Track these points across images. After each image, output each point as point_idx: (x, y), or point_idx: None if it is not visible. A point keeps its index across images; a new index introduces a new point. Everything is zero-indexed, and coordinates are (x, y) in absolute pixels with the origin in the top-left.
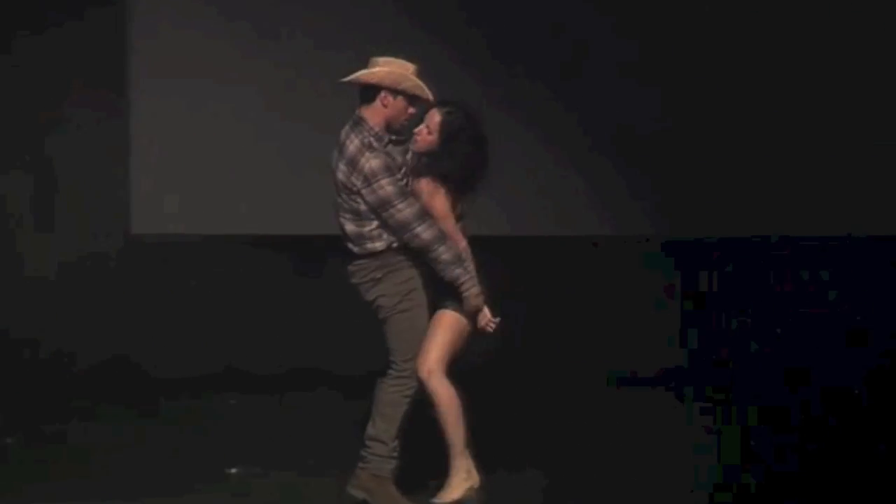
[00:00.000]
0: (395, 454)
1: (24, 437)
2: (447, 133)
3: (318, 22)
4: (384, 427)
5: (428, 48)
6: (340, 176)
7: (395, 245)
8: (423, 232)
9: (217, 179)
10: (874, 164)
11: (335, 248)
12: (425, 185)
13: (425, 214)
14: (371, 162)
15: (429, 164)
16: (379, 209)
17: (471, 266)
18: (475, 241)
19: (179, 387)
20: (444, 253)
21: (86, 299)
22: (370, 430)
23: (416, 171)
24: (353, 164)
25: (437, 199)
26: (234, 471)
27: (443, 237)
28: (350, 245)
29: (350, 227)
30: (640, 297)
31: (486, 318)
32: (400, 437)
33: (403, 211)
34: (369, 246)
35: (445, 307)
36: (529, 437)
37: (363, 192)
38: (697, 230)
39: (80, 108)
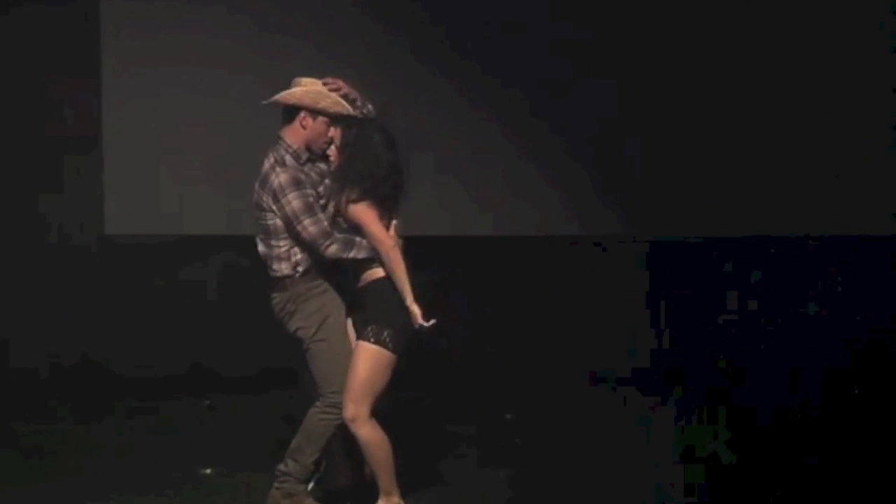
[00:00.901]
0: (311, 475)
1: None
2: (351, 146)
3: (296, 17)
4: (309, 451)
5: (410, 52)
6: (254, 195)
7: (300, 270)
8: (331, 246)
9: (190, 179)
10: (865, 164)
11: None
12: (352, 205)
13: (330, 232)
14: (280, 177)
15: (345, 180)
16: (288, 226)
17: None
18: (450, 242)
19: (152, 387)
20: (357, 254)
21: (59, 300)
22: (293, 451)
23: (336, 192)
24: (264, 181)
25: (367, 214)
26: (208, 471)
27: (349, 246)
28: (267, 270)
29: (261, 248)
30: (623, 297)
31: (417, 320)
32: (323, 457)
33: (308, 228)
34: (276, 267)
35: (366, 338)
36: (514, 436)
37: (274, 208)
38: (680, 230)
39: (53, 105)
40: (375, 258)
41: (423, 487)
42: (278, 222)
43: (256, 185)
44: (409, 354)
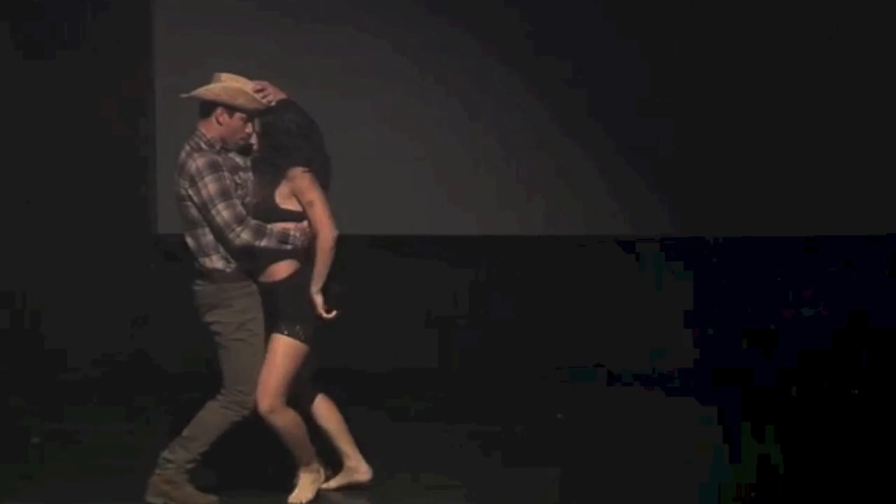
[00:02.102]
0: (194, 465)
1: (48, 436)
2: (269, 130)
3: (344, 17)
4: (200, 443)
5: (446, 46)
6: (174, 186)
7: (232, 266)
8: (243, 232)
9: None
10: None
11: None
12: (300, 178)
13: (244, 217)
14: (197, 161)
15: (275, 162)
16: (203, 211)
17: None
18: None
19: (203, 385)
20: (269, 243)
21: (111, 299)
22: (185, 439)
23: (266, 182)
24: (181, 170)
25: (316, 191)
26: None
27: (260, 234)
28: (193, 263)
29: (189, 241)
30: (647, 296)
31: (318, 310)
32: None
33: (222, 212)
34: (206, 263)
35: (280, 331)
36: (540, 436)
37: (191, 193)
38: (706, 230)
39: (107, 106)
40: (286, 248)
41: (468, 487)
42: (191, 211)
43: (175, 176)
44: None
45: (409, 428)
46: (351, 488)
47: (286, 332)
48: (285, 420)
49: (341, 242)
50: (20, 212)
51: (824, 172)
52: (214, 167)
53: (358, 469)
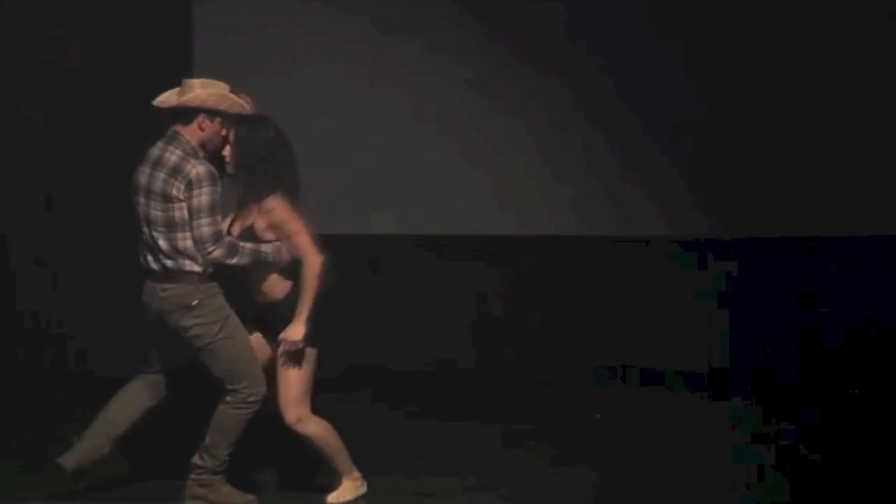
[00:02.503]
0: (226, 465)
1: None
2: (243, 142)
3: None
4: (223, 445)
5: (481, 45)
6: (158, 185)
7: (210, 270)
8: (216, 251)
9: None
10: None
11: (393, 245)
12: (275, 209)
13: (220, 236)
14: (198, 168)
15: (252, 177)
16: (191, 217)
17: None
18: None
19: None
20: (241, 261)
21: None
22: (208, 447)
23: (252, 196)
24: (176, 171)
25: (294, 221)
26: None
27: (233, 252)
28: (160, 265)
29: (163, 243)
30: (687, 297)
31: (295, 338)
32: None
33: (203, 227)
34: (186, 264)
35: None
36: (577, 437)
37: (184, 197)
38: (744, 230)
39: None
40: (268, 264)
41: (505, 487)
42: (178, 214)
43: (161, 174)
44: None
45: (446, 428)
46: None
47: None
48: (315, 428)
49: (386, 242)
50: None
51: (862, 172)
52: (214, 179)
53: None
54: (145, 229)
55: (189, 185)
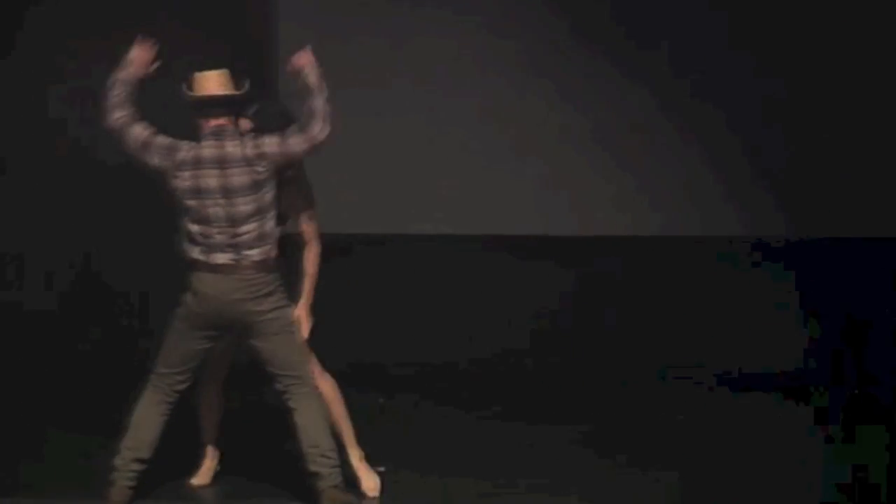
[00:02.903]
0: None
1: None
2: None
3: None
4: (326, 437)
5: (557, 46)
6: (239, 181)
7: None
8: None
9: (353, 177)
10: None
11: (462, 244)
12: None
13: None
14: (253, 142)
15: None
16: (287, 161)
17: None
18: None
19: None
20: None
21: None
22: (323, 445)
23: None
24: (247, 160)
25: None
26: (381, 469)
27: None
28: (238, 255)
29: (249, 234)
30: (761, 298)
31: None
32: None
33: (298, 134)
34: (269, 250)
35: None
36: (658, 437)
37: (268, 172)
38: (819, 230)
39: None
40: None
41: (583, 489)
42: (269, 196)
43: (236, 170)
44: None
45: (522, 428)
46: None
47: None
48: (327, 385)
49: (455, 242)
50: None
51: None
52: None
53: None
54: (219, 227)
55: (262, 156)
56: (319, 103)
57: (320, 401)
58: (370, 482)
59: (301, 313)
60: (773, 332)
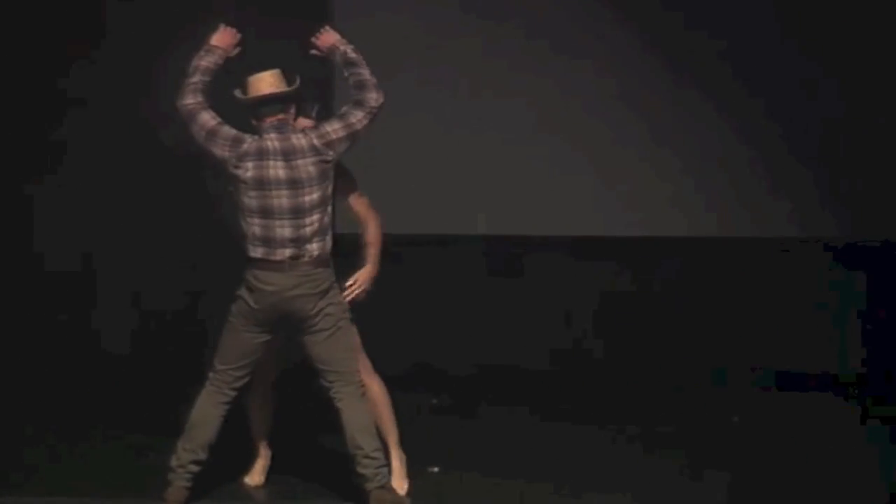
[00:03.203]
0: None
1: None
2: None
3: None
4: (373, 438)
5: (616, 48)
6: (307, 171)
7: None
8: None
9: (412, 179)
10: None
11: (528, 246)
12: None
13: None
14: (314, 132)
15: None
16: (352, 137)
17: None
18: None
19: None
20: None
21: None
22: (368, 446)
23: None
24: (314, 150)
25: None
26: (435, 470)
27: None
28: (300, 250)
29: (311, 227)
30: (818, 299)
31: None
32: None
33: (356, 105)
34: (328, 245)
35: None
36: (714, 440)
37: (334, 158)
38: (879, 232)
39: None
40: None
41: (637, 490)
42: (331, 187)
43: (302, 160)
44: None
45: (573, 430)
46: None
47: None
48: (369, 391)
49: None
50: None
51: None
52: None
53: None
54: (281, 220)
55: (330, 144)
56: (365, 73)
57: (366, 401)
58: (400, 486)
59: (364, 277)
60: (830, 333)
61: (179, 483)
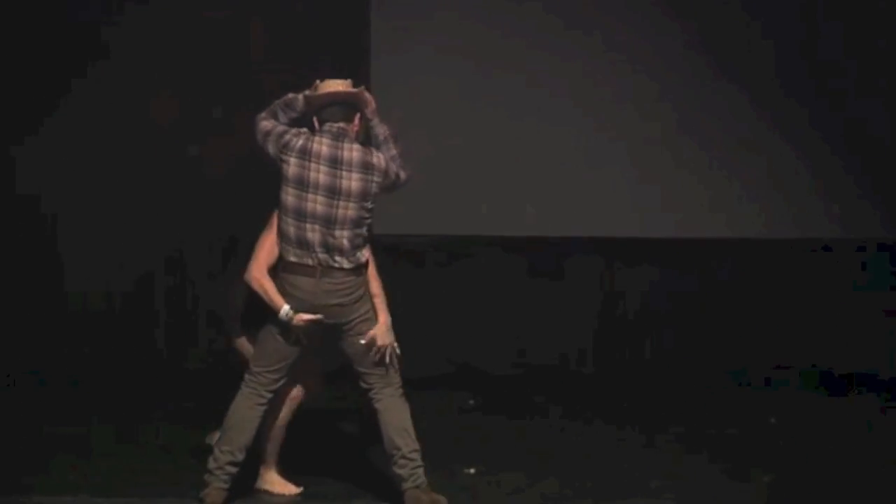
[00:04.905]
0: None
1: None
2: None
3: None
4: (412, 438)
5: (658, 49)
6: (356, 185)
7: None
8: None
9: (443, 179)
10: None
11: (568, 248)
12: None
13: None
14: (378, 156)
15: None
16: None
17: None
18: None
19: (413, 386)
20: None
21: None
22: (406, 447)
23: None
24: (367, 167)
25: None
26: (471, 471)
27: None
28: (341, 259)
29: (348, 239)
30: (866, 300)
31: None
32: None
33: (402, 174)
34: (360, 256)
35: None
36: (753, 440)
37: (378, 189)
38: None
39: None
40: None
41: (678, 491)
42: (371, 207)
43: (354, 174)
44: None
45: (613, 430)
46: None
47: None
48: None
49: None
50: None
51: None
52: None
53: (264, 476)
54: (313, 225)
55: (385, 174)
56: (397, 151)
57: (405, 401)
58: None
59: (383, 330)
60: (873, 333)
61: (217, 484)
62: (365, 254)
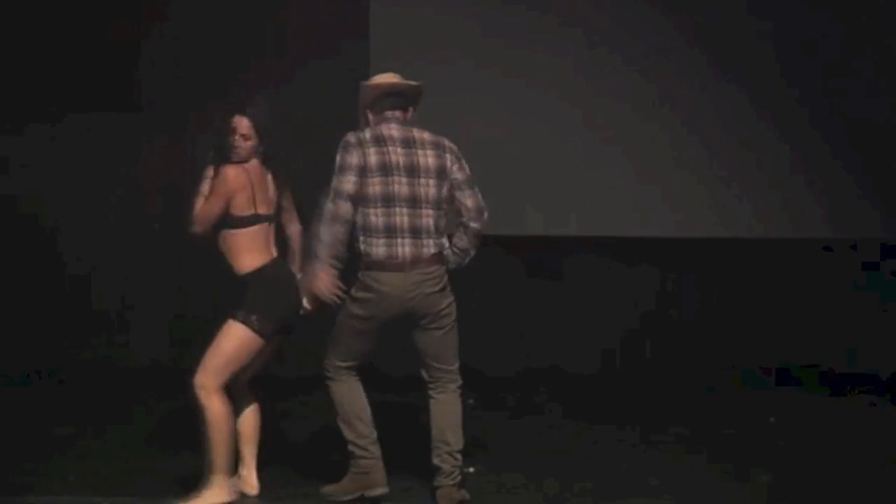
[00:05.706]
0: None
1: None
2: (263, 129)
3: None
4: (460, 436)
5: (663, 52)
6: (433, 161)
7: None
8: (485, 213)
9: None
10: None
11: (570, 247)
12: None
13: None
14: (449, 141)
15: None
16: (464, 185)
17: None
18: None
19: (413, 386)
20: None
21: None
22: (455, 444)
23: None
24: (440, 146)
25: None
26: (470, 470)
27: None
28: (425, 247)
29: (431, 221)
30: (866, 300)
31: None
32: None
33: (478, 194)
34: (446, 242)
35: (235, 317)
36: (751, 440)
37: (454, 168)
38: None
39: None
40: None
41: (677, 491)
42: (445, 189)
43: (430, 151)
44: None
45: (614, 431)
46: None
47: (240, 319)
48: (215, 405)
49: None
50: None
51: None
52: None
53: (248, 480)
54: (400, 208)
55: (457, 157)
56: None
57: (461, 400)
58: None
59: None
60: (873, 333)
61: (376, 468)
62: (446, 241)
